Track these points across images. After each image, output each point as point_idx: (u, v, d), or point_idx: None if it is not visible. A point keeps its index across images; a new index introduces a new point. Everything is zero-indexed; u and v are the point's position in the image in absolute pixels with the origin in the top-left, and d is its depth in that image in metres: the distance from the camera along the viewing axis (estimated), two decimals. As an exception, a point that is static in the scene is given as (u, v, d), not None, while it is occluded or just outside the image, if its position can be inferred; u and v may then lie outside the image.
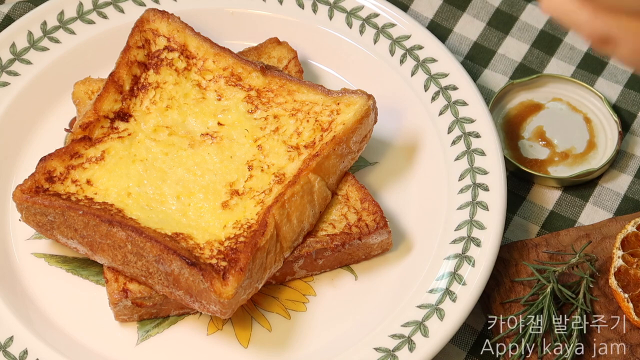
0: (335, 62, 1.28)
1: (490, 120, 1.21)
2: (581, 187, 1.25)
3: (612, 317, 1.14)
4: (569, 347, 1.10)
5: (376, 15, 1.28)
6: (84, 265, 1.17)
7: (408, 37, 1.27)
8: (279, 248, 1.11)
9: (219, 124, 1.18)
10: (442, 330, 1.09)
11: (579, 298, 1.13)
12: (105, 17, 1.28)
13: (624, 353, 1.12)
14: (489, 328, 1.15)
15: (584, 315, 1.13)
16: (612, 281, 1.12)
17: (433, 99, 1.23)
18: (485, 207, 1.16)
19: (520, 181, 1.25)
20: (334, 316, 1.14)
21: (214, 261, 1.07)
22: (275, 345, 1.12)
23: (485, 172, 1.18)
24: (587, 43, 0.72)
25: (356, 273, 1.16)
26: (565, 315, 1.13)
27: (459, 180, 1.18)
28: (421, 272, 1.14)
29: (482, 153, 1.19)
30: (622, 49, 0.72)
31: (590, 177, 1.24)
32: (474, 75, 1.30)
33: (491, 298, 1.15)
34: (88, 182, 1.13)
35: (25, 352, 1.09)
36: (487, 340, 1.14)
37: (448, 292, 1.11)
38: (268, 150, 1.16)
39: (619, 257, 1.13)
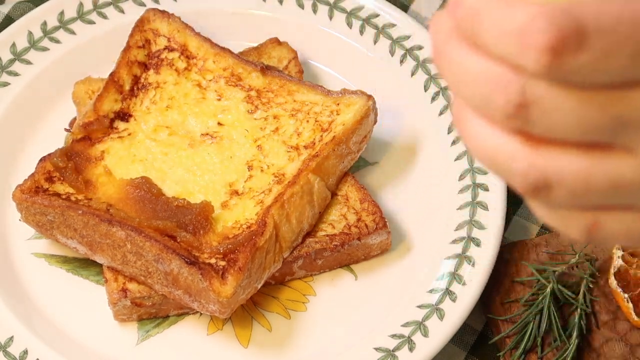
0: (335, 62, 1.28)
1: (490, 120, 1.21)
2: (581, 187, 1.25)
3: (612, 317, 1.13)
4: (569, 347, 1.10)
5: (376, 15, 1.28)
6: (84, 265, 1.17)
7: (408, 37, 1.27)
8: (278, 248, 1.11)
9: (219, 124, 1.18)
10: (442, 330, 1.09)
11: (579, 298, 1.13)
12: (105, 17, 1.28)
13: (624, 353, 1.12)
14: (489, 328, 1.15)
15: (584, 315, 1.13)
16: (612, 281, 1.12)
17: (433, 99, 1.23)
18: (485, 207, 1.16)
19: (521, 181, 1.25)
20: (334, 316, 1.14)
21: (213, 261, 1.07)
22: (275, 345, 1.12)
23: (485, 172, 1.18)
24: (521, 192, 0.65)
25: (356, 273, 1.16)
26: (565, 315, 1.13)
27: (458, 180, 1.18)
28: (421, 272, 1.14)
29: (482, 153, 1.19)
30: (557, 192, 0.63)
31: (590, 177, 1.24)
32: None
33: (491, 298, 1.15)
34: (88, 181, 1.14)
35: (25, 352, 1.09)
36: (487, 341, 1.14)
37: (448, 292, 1.11)
38: (268, 151, 1.16)
39: (618, 257, 1.13)
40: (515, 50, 0.59)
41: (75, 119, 1.23)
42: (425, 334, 1.09)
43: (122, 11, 1.29)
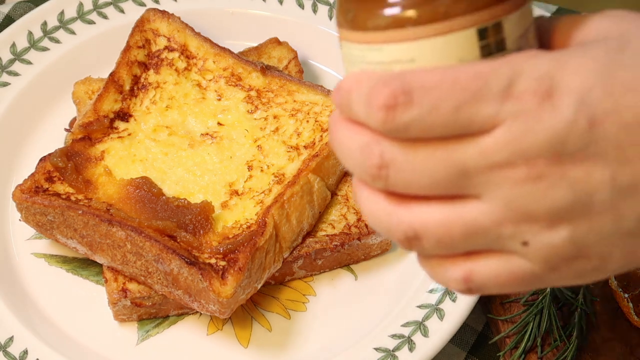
0: (335, 62, 1.28)
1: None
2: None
3: (612, 317, 1.13)
4: (569, 347, 1.10)
5: (376, 15, 1.28)
6: (84, 265, 1.17)
7: (408, 37, 1.27)
8: (278, 248, 1.11)
9: (219, 124, 1.18)
10: (442, 330, 1.09)
11: (579, 298, 1.13)
12: (105, 17, 1.29)
13: (624, 353, 1.12)
14: (489, 328, 1.15)
15: (584, 315, 1.13)
16: (612, 281, 1.12)
17: (433, 99, 1.23)
18: (485, 207, 1.16)
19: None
20: (334, 316, 1.14)
21: (212, 261, 1.07)
22: (275, 345, 1.12)
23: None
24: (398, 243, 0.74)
25: (356, 273, 1.16)
26: (565, 315, 1.13)
27: (458, 180, 1.18)
28: (421, 272, 1.14)
29: (482, 153, 1.19)
30: (426, 242, 0.72)
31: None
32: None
33: (491, 298, 1.15)
34: (88, 181, 1.14)
35: (25, 352, 1.09)
36: (487, 341, 1.14)
37: (448, 292, 1.11)
38: (268, 151, 1.16)
39: (618, 257, 1.13)
40: (366, 112, 0.70)
41: (75, 119, 1.23)
42: (425, 334, 1.09)
43: (122, 11, 1.29)
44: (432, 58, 0.72)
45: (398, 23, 0.72)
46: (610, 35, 0.72)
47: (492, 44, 0.73)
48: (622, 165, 0.69)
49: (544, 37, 0.77)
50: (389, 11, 0.73)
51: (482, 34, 0.72)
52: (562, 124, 0.68)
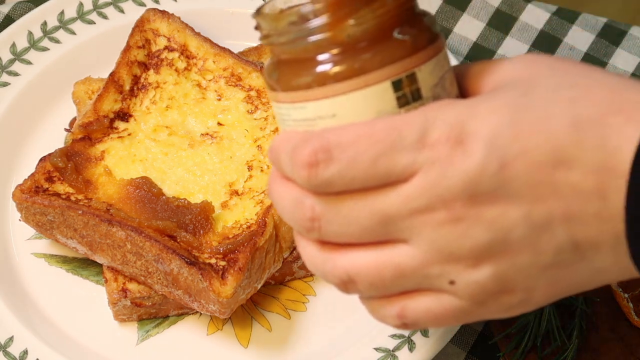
0: (335, 62, 1.28)
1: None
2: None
3: (612, 317, 1.14)
4: (569, 347, 1.10)
5: (376, 15, 1.28)
6: (84, 265, 1.17)
7: (408, 37, 1.27)
8: (278, 248, 1.11)
9: (219, 124, 1.18)
10: (442, 330, 1.09)
11: (579, 298, 1.13)
12: (105, 17, 1.29)
13: (624, 353, 1.12)
14: (489, 328, 1.15)
15: (584, 315, 1.13)
16: (612, 281, 1.12)
17: (433, 99, 1.23)
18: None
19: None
20: (334, 316, 1.14)
21: (212, 261, 1.07)
22: (275, 345, 1.12)
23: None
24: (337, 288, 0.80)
25: (356, 273, 1.16)
26: (565, 315, 1.13)
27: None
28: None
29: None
30: (360, 285, 0.76)
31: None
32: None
33: (491, 298, 1.15)
34: (88, 182, 1.14)
35: (25, 352, 1.09)
36: (487, 341, 1.14)
37: (448, 292, 1.11)
38: (268, 151, 1.16)
39: (618, 257, 1.13)
40: (292, 170, 0.75)
41: (75, 119, 1.23)
42: (425, 334, 1.09)
43: (122, 11, 1.29)
44: (352, 112, 0.76)
45: (317, 82, 0.76)
46: (520, 79, 0.75)
47: (407, 94, 0.76)
48: (534, 203, 0.72)
49: (460, 84, 0.80)
50: (308, 71, 0.77)
51: (396, 85, 0.76)
52: (474, 168, 0.71)
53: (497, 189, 0.72)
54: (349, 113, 0.76)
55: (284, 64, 0.79)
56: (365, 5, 0.76)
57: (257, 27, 0.80)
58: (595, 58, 1.32)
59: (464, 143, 0.72)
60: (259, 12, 0.80)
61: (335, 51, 0.76)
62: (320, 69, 0.77)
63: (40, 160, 1.15)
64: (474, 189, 0.72)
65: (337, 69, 0.76)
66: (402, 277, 0.75)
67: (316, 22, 0.76)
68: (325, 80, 0.76)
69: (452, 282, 0.75)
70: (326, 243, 0.77)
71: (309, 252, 0.79)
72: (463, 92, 0.80)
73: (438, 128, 0.72)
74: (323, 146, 0.73)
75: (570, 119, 0.71)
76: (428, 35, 0.78)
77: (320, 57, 0.77)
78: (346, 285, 0.77)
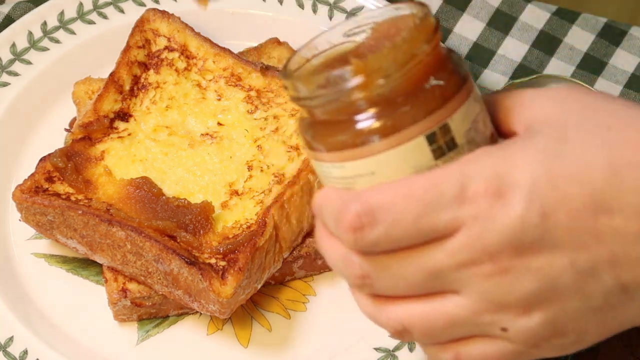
0: (335, 62, 1.28)
1: (490, 120, 1.21)
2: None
3: (612, 317, 1.13)
4: (568, 347, 1.10)
5: (376, 15, 1.28)
6: (84, 265, 1.17)
7: (408, 37, 1.27)
8: (278, 248, 1.11)
9: (219, 124, 1.18)
10: (441, 330, 1.09)
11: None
12: (105, 17, 1.29)
13: (624, 353, 1.12)
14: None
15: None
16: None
17: (433, 99, 1.23)
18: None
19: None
20: (334, 316, 1.14)
21: (213, 261, 1.07)
22: (275, 345, 1.12)
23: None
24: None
25: (356, 273, 1.16)
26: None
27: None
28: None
29: (482, 153, 1.19)
30: (415, 334, 0.78)
31: (590, 177, 1.24)
32: (474, 76, 1.30)
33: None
34: (88, 181, 1.13)
35: (25, 352, 1.09)
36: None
37: (448, 292, 1.11)
38: (268, 151, 1.16)
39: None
40: (337, 232, 0.76)
41: (75, 119, 1.23)
42: (425, 334, 1.09)
43: (122, 11, 1.29)
44: (390, 169, 0.77)
45: (352, 143, 0.77)
46: (553, 120, 0.76)
47: (442, 146, 0.77)
48: (578, 251, 0.73)
49: (491, 115, 0.80)
50: (342, 133, 0.77)
51: (430, 139, 0.77)
52: (516, 220, 0.73)
53: (540, 239, 0.73)
54: (387, 170, 0.77)
55: (318, 124, 0.79)
56: (393, 63, 0.76)
57: (285, 87, 0.80)
58: (595, 58, 1.32)
59: (504, 195, 0.73)
60: (286, 75, 0.80)
61: (367, 111, 0.77)
62: (353, 130, 0.77)
63: (40, 160, 1.14)
64: (517, 241, 0.73)
65: (370, 129, 0.77)
66: (454, 326, 0.77)
67: (347, 84, 0.76)
68: (359, 141, 0.77)
69: (504, 329, 0.76)
70: (379, 295, 0.79)
71: (363, 303, 0.80)
72: (495, 124, 0.81)
73: (476, 182, 0.73)
74: (365, 209, 0.74)
75: (607, 164, 0.72)
76: (457, 79, 0.78)
77: (353, 118, 0.77)
78: (401, 334, 0.79)
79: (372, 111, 0.77)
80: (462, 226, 0.74)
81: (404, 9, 0.82)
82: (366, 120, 0.77)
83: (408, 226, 0.74)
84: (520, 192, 0.72)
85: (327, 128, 0.78)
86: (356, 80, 0.76)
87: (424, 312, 0.77)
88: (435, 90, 0.77)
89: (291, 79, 0.79)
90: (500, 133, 0.81)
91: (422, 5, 0.80)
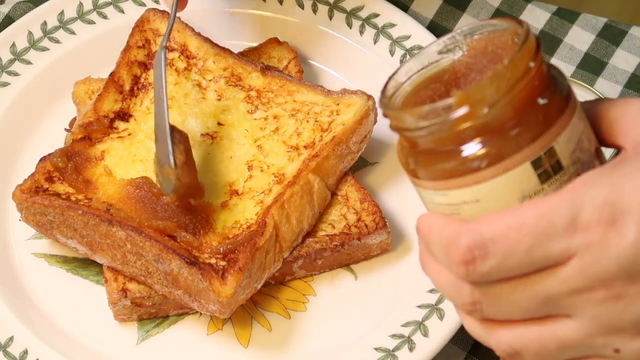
0: (335, 62, 1.28)
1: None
2: (581, 187, 1.25)
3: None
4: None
5: (376, 15, 1.28)
6: (84, 265, 1.17)
7: (408, 37, 1.27)
8: (278, 248, 1.11)
9: (219, 124, 1.18)
10: (442, 330, 1.09)
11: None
12: (105, 17, 1.29)
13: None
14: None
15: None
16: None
17: (433, 99, 1.23)
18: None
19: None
20: (334, 316, 1.14)
21: (213, 261, 1.07)
22: (275, 345, 1.12)
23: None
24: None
25: (356, 273, 1.16)
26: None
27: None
28: (421, 271, 1.13)
29: (482, 153, 1.19)
30: (526, 357, 0.79)
31: (590, 177, 1.24)
32: (474, 76, 1.30)
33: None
34: (88, 182, 1.14)
35: (25, 352, 1.09)
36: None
37: (448, 292, 1.11)
38: (268, 151, 1.16)
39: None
40: (448, 263, 0.77)
41: (75, 119, 1.23)
42: (425, 334, 1.09)
43: (122, 11, 1.29)
44: (496, 197, 0.76)
45: (457, 172, 0.76)
46: None
47: (548, 169, 0.76)
48: None
49: (593, 125, 0.80)
50: (446, 162, 0.77)
51: (536, 164, 0.76)
52: (630, 248, 0.73)
53: None
54: (493, 198, 0.76)
55: (420, 153, 0.78)
56: (497, 91, 0.74)
57: (385, 116, 0.79)
58: (595, 58, 1.32)
59: (616, 223, 0.73)
60: (387, 105, 0.79)
61: (472, 141, 0.76)
62: (458, 159, 0.76)
63: (40, 160, 1.15)
64: (631, 268, 0.73)
65: (475, 157, 0.76)
66: (567, 348, 0.77)
67: (451, 115, 0.75)
68: (464, 169, 0.76)
69: (617, 351, 0.77)
70: (488, 319, 0.79)
71: (472, 327, 0.81)
72: (597, 135, 0.80)
73: (587, 211, 0.73)
74: (477, 242, 0.74)
75: None
76: (560, 98, 0.77)
77: (457, 148, 0.76)
78: (512, 357, 0.79)
79: (477, 140, 0.75)
80: (575, 255, 0.74)
81: (500, 25, 0.80)
82: (471, 149, 0.75)
83: (520, 258, 0.74)
84: (632, 219, 0.73)
85: (430, 157, 0.77)
86: (461, 112, 0.75)
87: (536, 335, 0.78)
88: (540, 112, 0.75)
89: (392, 110, 0.78)
90: (602, 142, 0.80)
91: (520, 22, 0.78)
